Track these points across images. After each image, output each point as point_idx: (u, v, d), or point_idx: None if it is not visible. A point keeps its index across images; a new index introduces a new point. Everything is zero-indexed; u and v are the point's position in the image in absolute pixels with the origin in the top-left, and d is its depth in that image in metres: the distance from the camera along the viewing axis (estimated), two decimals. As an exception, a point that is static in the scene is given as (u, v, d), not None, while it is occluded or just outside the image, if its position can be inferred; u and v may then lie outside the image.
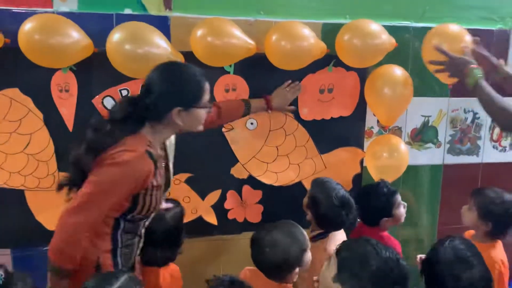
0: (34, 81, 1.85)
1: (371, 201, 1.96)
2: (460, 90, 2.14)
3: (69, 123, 1.91)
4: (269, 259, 1.56)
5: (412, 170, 2.26)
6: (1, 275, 1.24)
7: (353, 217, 1.81)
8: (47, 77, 1.85)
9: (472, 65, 1.72)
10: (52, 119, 1.89)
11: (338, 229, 1.82)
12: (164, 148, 1.64)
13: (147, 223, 1.63)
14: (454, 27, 1.95)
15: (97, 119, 1.55)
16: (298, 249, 1.58)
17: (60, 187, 1.50)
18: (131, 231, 1.56)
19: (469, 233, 1.95)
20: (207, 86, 1.53)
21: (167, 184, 1.68)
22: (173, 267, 1.80)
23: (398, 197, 1.99)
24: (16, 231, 1.96)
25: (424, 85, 2.18)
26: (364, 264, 1.15)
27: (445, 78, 1.92)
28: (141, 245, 1.66)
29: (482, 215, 1.85)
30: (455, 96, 2.24)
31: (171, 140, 1.69)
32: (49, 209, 1.92)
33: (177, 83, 1.48)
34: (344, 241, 1.32)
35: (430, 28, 2.13)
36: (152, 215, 1.62)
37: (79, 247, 1.42)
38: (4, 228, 1.94)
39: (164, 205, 1.76)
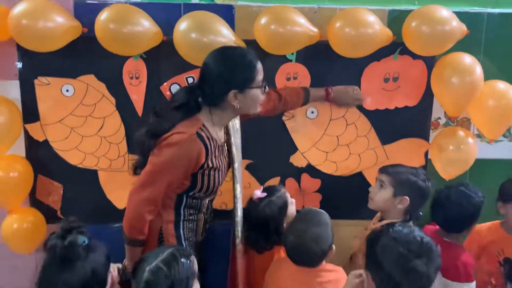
0: (108, 68, 1.97)
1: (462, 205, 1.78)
2: (539, 81, 2.01)
3: (139, 108, 2.02)
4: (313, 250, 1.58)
5: (481, 164, 2.14)
6: (84, 241, 1.35)
7: None
8: (119, 65, 1.97)
9: None
10: (123, 104, 2.01)
11: None
12: (228, 133, 1.69)
13: (207, 201, 1.72)
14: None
15: (160, 105, 1.66)
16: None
17: (134, 170, 1.65)
18: (194, 207, 1.67)
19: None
20: (259, 65, 1.56)
21: (229, 166, 1.74)
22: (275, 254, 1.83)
23: None
24: (89, 208, 2.11)
25: (497, 75, 2.05)
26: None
27: None
28: (207, 224, 1.77)
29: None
30: (531, 87, 2.10)
31: (236, 126, 1.74)
32: (119, 188, 2.07)
33: (229, 67, 1.53)
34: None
35: (506, 14, 2.02)
36: (214, 194, 1.70)
37: (144, 220, 1.55)
38: (78, 205, 2.10)
39: (258, 194, 1.84)
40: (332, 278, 1.59)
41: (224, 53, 1.57)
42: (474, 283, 1.74)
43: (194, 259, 1.39)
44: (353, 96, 2.03)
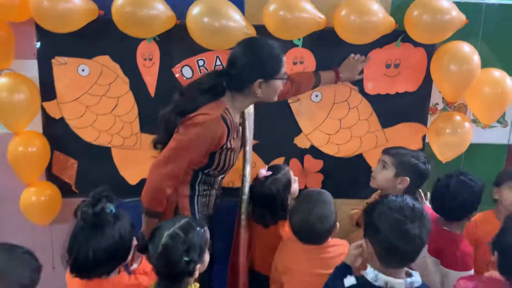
0: (122, 50, 2.06)
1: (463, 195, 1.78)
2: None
3: (151, 89, 2.11)
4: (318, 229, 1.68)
5: (475, 149, 2.25)
6: (112, 210, 1.45)
7: None
8: (133, 47, 2.05)
9: None
10: (136, 84, 2.10)
11: None
12: (243, 117, 1.80)
13: (220, 178, 1.83)
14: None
15: (187, 86, 1.75)
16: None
17: (155, 145, 1.75)
18: (208, 183, 1.78)
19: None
20: (284, 59, 1.67)
21: (242, 147, 1.86)
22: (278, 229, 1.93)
23: None
24: (102, 184, 2.21)
25: (494, 64, 2.14)
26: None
27: None
28: (218, 199, 1.88)
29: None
30: (526, 76, 2.20)
31: (250, 110, 1.86)
32: (132, 165, 2.17)
33: (259, 57, 1.63)
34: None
35: (505, 5, 2.11)
36: (226, 172, 1.81)
37: (164, 194, 1.66)
38: (92, 181, 2.19)
39: (263, 172, 1.94)
40: (337, 253, 1.69)
41: (255, 43, 1.68)
42: (472, 272, 1.76)
43: (207, 230, 1.49)
44: (357, 62, 2.09)
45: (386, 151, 1.93)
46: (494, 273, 1.42)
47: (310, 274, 1.66)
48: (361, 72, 2.12)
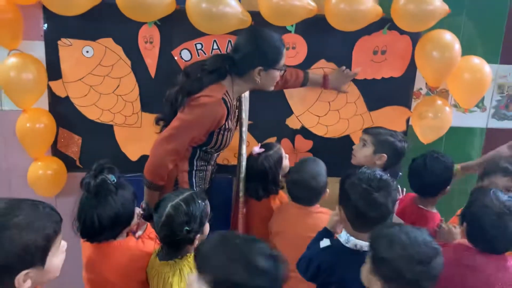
0: (124, 33, 2.17)
1: (437, 171, 1.94)
2: (510, 57, 2.24)
3: (152, 70, 2.23)
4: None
5: (456, 132, 2.40)
6: (114, 180, 1.59)
7: None
8: (135, 30, 2.16)
9: None
10: (138, 66, 2.22)
11: None
12: (240, 100, 1.95)
13: (216, 155, 2.00)
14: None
15: (191, 66, 1.88)
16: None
17: (157, 121, 1.90)
18: (205, 159, 1.93)
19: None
20: (284, 51, 1.81)
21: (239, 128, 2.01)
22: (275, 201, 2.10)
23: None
24: (104, 159, 2.34)
25: (474, 52, 2.27)
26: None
27: None
28: (213, 174, 2.05)
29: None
30: (504, 63, 2.34)
31: (246, 94, 1.99)
32: (133, 142, 2.31)
33: (262, 46, 1.77)
34: None
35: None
36: (222, 151, 1.96)
37: (166, 168, 1.79)
38: (95, 156, 2.28)
39: (257, 149, 2.09)
40: (323, 219, 1.84)
41: (260, 33, 1.81)
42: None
43: (207, 203, 1.62)
44: (345, 75, 2.24)
45: (366, 131, 2.08)
46: (463, 241, 1.57)
47: (299, 237, 1.81)
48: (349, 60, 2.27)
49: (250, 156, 2.11)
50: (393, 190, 1.51)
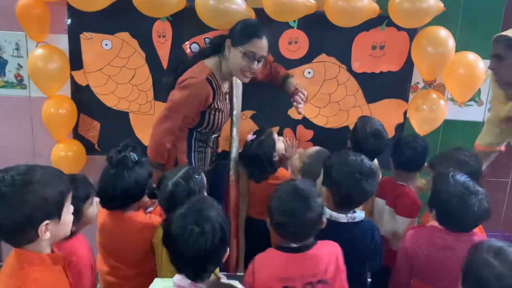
0: (140, 27, 2.36)
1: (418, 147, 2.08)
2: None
3: (164, 62, 2.41)
4: None
5: (452, 125, 2.50)
6: (135, 157, 1.78)
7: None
8: (149, 25, 2.36)
9: None
10: (151, 58, 2.41)
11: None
12: (231, 84, 2.11)
13: (213, 137, 2.16)
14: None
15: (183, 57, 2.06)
16: None
17: None
18: (202, 140, 2.10)
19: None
20: (257, 40, 1.93)
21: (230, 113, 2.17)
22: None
23: None
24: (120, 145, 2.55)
25: (471, 48, 2.35)
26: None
27: None
28: (213, 157, 2.21)
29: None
30: (500, 59, 2.41)
31: (238, 80, 2.14)
32: (146, 128, 2.44)
33: (238, 23, 1.96)
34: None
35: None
36: (217, 132, 2.14)
37: (164, 147, 1.98)
38: (112, 141, 2.48)
39: (250, 137, 2.26)
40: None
41: (245, 20, 2.02)
42: (415, 220, 2.07)
43: (203, 175, 1.79)
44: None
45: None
46: (435, 223, 1.67)
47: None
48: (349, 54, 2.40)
49: (246, 143, 2.26)
50: (377, 176, 1.65)
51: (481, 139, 2.25)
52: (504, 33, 1.94)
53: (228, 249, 1.43)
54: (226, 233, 1.38)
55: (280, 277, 1.46)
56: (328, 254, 1.50)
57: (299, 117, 2.51)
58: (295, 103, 2.22)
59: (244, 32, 1.95)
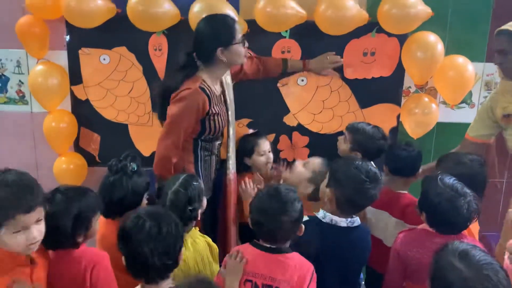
0: (136, 41, 2.43)
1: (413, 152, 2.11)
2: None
3: (161, 75, 2.47)
4: None
5: (445, 127, 2.53)
6: (134, 168, 1.83)
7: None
8: (145, 39, 2.43)
9: None
10: (148, 71, 2.48)
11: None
12: (222, 85, 2.15)
13: (217, 144, 2.18)
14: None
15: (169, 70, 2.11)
16: None
17: (160, 121, 2.13)
18: (207, 149, 2.13)
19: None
20: (237, 26, 1.98)
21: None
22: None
23: None
24: (121, 155, 2.60)
25: (461, 51, 2.40)
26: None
27: None
28: (217, 164, 2.23)
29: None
30: (490, 61, 2.44)
31: (227, 81, 2.18)
32: (145, 139, 2.56)
33: (215, 29, 1.97)
34: None
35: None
36: (220, 137, 2.18)
37: (171, 161, 2.00)
38: (112, 152, 2.53)
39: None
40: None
41: (208, 19, 2.01)
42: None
43: (201, 181, 1.84)
44: (328, 60, 2.39)
45: (347, 128, 2.23)
46: (425, 225, 1.69)
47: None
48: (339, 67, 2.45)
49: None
50: (381, 182, 1.71)
51: (472, 130, 2.26)
52: (504, 27, 1.94)
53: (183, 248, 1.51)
54: (180, 231, 1.47)
55: (246, 269, 1.55)
56: (297, 269, 1.53)
57: (294, 124, 2.57)
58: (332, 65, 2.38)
59: (226, 30, 1.97)
